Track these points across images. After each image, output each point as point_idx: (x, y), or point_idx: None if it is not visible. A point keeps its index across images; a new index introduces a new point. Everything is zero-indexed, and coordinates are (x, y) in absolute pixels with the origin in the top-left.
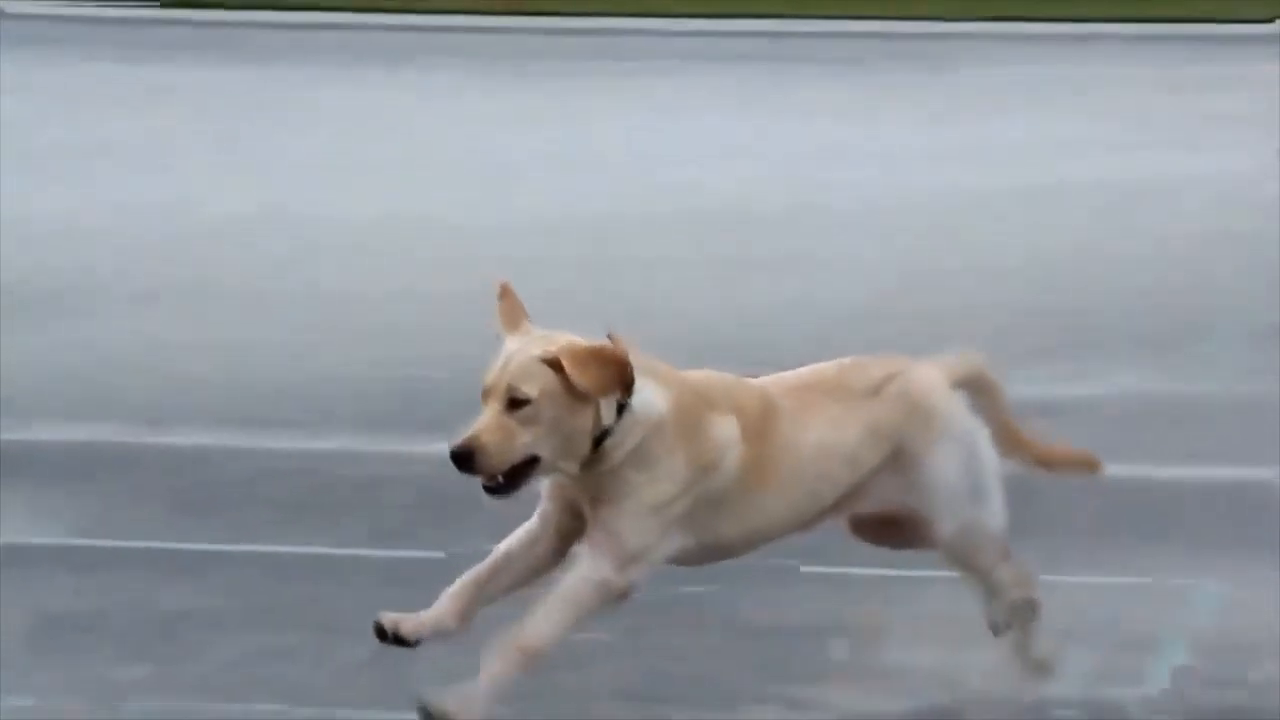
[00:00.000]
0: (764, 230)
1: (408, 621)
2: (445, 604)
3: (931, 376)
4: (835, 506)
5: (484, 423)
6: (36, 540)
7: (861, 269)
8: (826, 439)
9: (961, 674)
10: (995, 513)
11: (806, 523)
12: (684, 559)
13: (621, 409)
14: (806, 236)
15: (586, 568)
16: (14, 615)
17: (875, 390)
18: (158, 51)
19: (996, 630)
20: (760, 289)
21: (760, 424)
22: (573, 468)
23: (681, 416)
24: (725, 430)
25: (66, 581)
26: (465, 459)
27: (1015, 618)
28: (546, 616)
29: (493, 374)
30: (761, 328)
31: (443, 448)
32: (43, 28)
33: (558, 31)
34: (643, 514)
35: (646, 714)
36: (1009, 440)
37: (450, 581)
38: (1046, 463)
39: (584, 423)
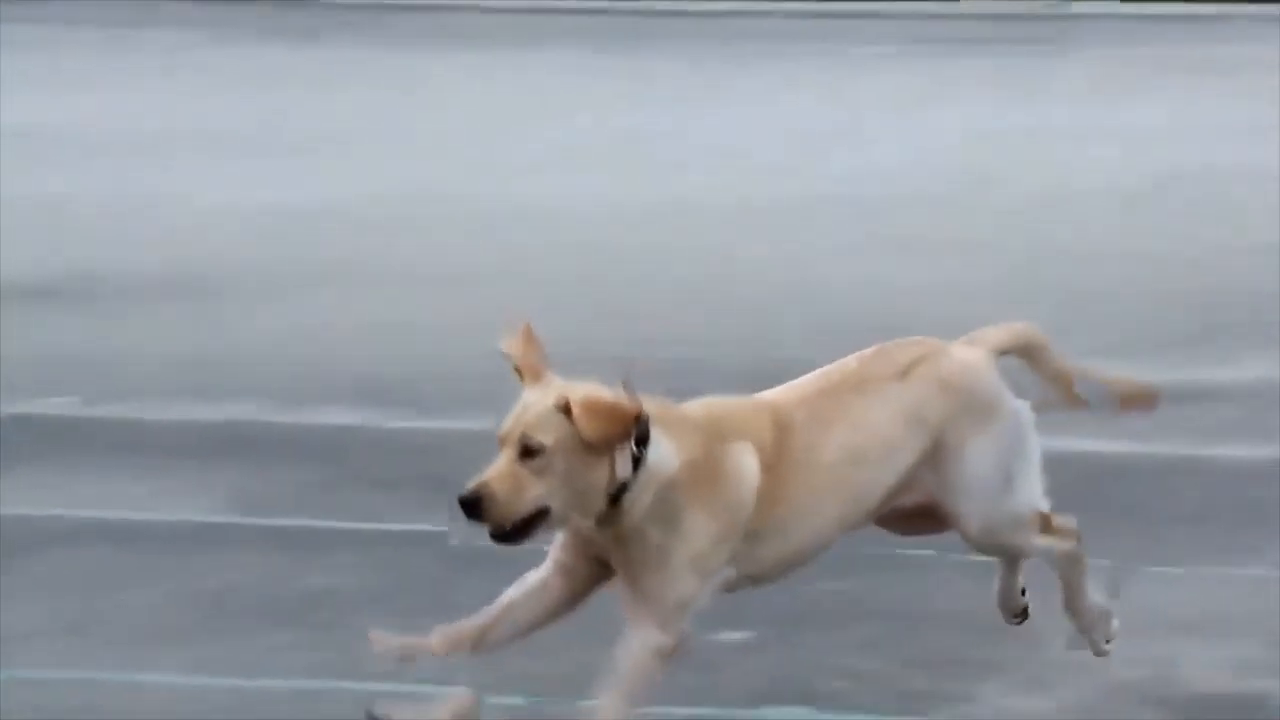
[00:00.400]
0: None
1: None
2: (437, 637)
3: (966, 358)
4: (882, 504)
5: (495, 470)
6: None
7: (1001, 252)
8: (850, 443)
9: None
10: (1029, 497)
11: (852, 528)
12: (727, 589)
13: (638, 463)
14: (937, 219)
15: (637, 642)
16: (149, 593)
17: (903, 373)
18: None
19: (1008, 619)
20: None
21: (777, 446)
22: (586, 522)
23: (697, 467)
24: (744, 464)
25: (204, 559)
26: (473, 506)
27: (1062, 571)
28: (612, 699)
29: (508, 422)
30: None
31: None
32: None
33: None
34: (678, 573)
35: (796, 713)
36: (1068, 391)
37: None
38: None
39: (598, 476)
